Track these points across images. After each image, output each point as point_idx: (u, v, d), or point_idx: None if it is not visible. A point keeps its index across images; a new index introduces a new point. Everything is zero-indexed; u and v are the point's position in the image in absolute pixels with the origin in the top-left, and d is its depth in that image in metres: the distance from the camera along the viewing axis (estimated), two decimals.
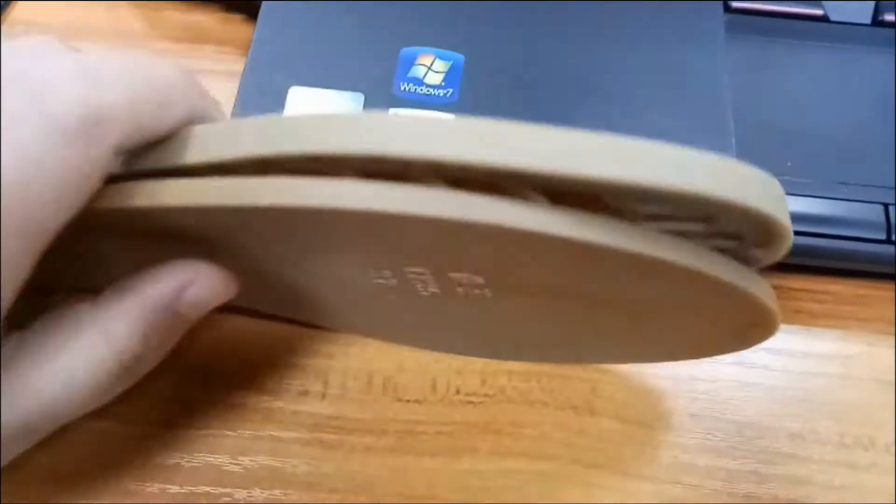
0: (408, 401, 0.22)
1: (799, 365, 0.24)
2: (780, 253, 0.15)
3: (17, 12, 0.30)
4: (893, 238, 0.22)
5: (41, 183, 0.13)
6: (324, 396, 0.22)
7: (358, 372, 0.23)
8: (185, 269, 0.17)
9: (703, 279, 0.14)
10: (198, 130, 0.15)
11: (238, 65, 0.29)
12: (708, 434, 0.22)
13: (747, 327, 0.18)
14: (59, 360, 0.16)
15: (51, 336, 0.16)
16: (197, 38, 0.30)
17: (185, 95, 0.16)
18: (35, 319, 0.16)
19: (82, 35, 0.30)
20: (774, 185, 0.14)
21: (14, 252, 0.13)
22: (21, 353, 0.16)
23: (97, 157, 0.14)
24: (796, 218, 0.23)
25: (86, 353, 0.16)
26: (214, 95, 0.29)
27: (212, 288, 0.17)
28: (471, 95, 0.24)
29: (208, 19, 0.31)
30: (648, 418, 0.22)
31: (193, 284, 0.17)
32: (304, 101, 0.24)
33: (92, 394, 0.16)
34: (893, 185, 0.23)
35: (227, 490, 0.21)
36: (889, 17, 0.26)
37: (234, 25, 0.30)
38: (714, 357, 0.23)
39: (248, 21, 0.30)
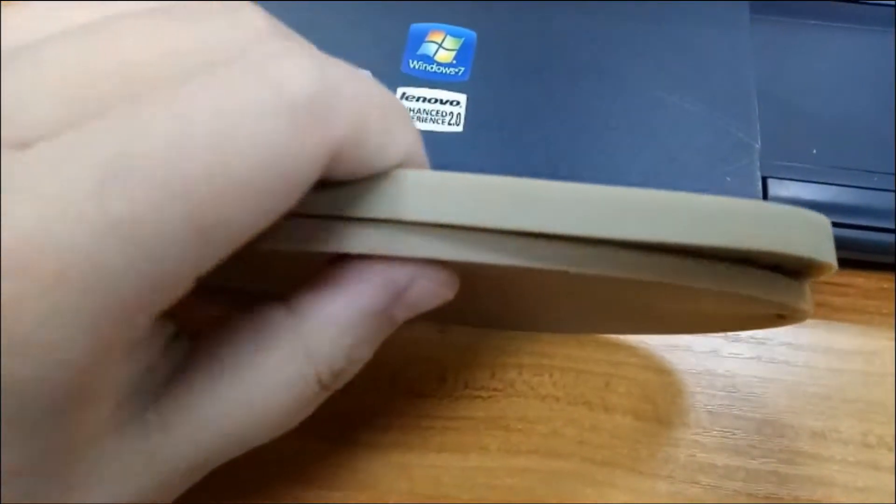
0: (415, 394, 0.22)
1: (821, 360, 0.23)
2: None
3: None
4: None
5: (272, 167, 0.10)
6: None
7: (366, 364, 0.22)
8: (404, 267, 0.13)
9: (749, 299, 0.14)
10: (425, 179, 0.13)
11: None
12: (727, 432, 0.21)
13: (777, 319, 0.17)
14: (249, 379, 0.13)
15: (235, 348, 0.13)
16: None
17: (408, 130, 0.13)
18: (211, 325, 0.14)
19: None
20: (827, 228, 0.14)
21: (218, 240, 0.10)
22: (195, 368, 0.13)
23: (323, 145, 0.11)
24: (822, 208, 0.22)
25: (283, 370, 0.13)
26: None
27: (434, 290, 0.14)
28: (483, 74, 0.23)
29: None
30: (665, 415, 0.22)
31: (415, 285, 0.14)
32: None
33: (286, 418, 0.14)
34: None
35: None
36: None
37: None
38: (734, 346, 0.22)
39: None
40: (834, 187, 0.22)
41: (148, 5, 0.12)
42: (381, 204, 0.13)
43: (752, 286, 0.14)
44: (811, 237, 0.13)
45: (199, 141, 0.10)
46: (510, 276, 0.14)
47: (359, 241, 0.13)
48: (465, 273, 0.14)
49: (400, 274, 0.13)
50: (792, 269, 0.15)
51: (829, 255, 0.14)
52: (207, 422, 0.12)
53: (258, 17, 0.12)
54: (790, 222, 0.13)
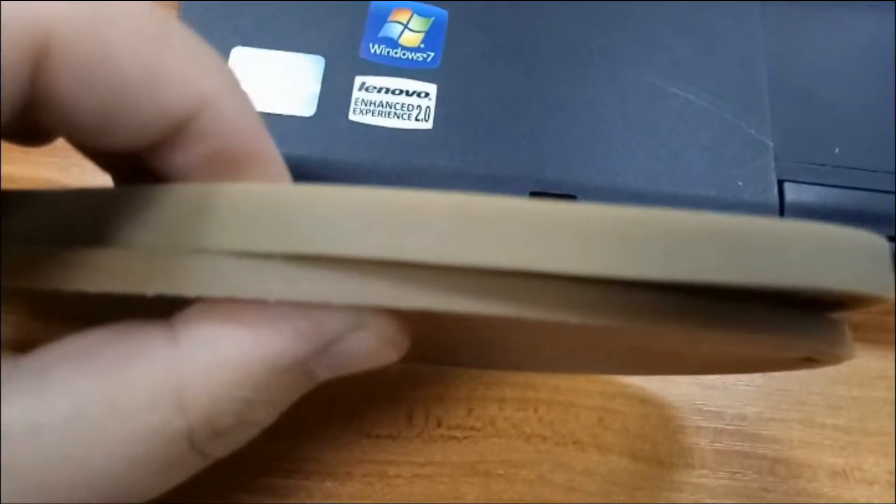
0: (378, 436, 0.19)
1: (840, 388, 0.20)
2: None
3: None
4: None
5: None
6: (274, 433, 0.18)
7: (316, 401, 0.19)
8: (336, 313, 0.10)
9: (781, 344, 0.12)
10: (267, 195, 0.10)
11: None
12: (736, 473, 0.19)
13: (804, 362, 0.14)
14: (92, 412, 0.09)
15: (76, 366, 0.10)
16: None
17: (211, 66, 0.11)
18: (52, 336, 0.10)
19: None
20: (887, 252, 0.11)
21: None
22: (13, 388, 0.09)
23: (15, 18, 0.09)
24: (845, 215, 0.19)
25: (141, 412, 0.10)
26: None
27: (373, 348, 0.11)
28: (455, 60, 0.20)
29: None
30: (666, 454, 0.19)
31: (347, 338, 0.10)
32: (250, 66, 0.19)
33: (138, 481, 0.10)
34: None
35: None
36: None
37: None
38: (746, 380, 0.20)
39: None
40: (859, 192, 0.19)
41: None
42: (278, 226, 0.10)
43: (790, 329, 0.12)
44: (873, 267, 0.11)
45: None
46: (484, 321, 0.11)
47: (235, 281, 0.10)
48: (420, 318, 0.11)
49: (328, 321, 0.10)
50: (835, 303, 0.12)
51: (891, 287, 0.11)
52: (21, 470, 0.09)
53: None
54: (849, 249, 0.10)
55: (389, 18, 0.20)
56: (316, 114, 0.19)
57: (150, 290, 0.10)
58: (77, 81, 0.09)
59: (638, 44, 0.21)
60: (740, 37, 0.21)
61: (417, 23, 0.20)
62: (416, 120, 0.19)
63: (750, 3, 0.21)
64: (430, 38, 0.20)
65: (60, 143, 0.12)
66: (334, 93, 0.19)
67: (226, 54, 0.20)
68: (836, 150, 0.20)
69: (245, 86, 0.11)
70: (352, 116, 0.19)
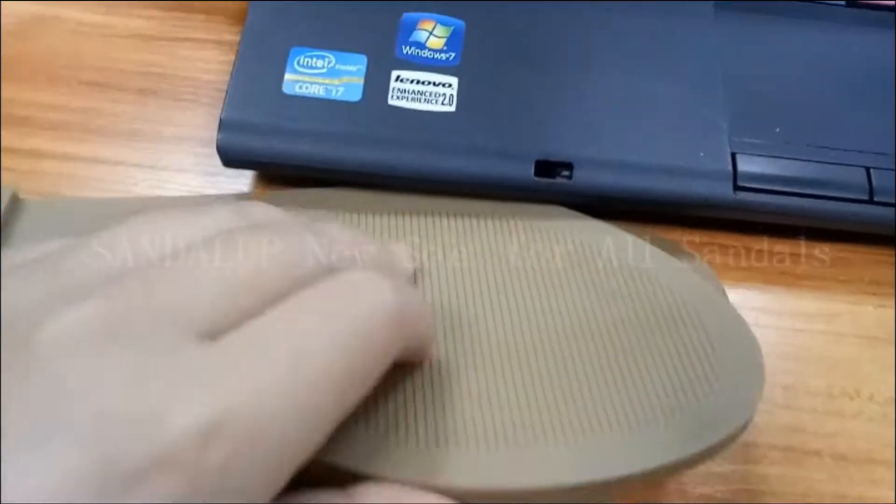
0: None
1: (787, 323, 0.25)
2: None
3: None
4: (874, 199, 0.24)
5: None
6: None
7: None
8: None
9: None
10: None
11: (226, 34, 0.29)
12: None
13: None
14: None
15: None
16: (184, 7, 0.30)
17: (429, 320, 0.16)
18: None
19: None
20: None
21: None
22: None
23: (401, 339, 0.14)
24: (784, 180, 0.24)
25: None
26: (203, 63, 0.29)
27: None
28: (472, 60, 0.25)
29: None
30: None
31: None
32: (311, 63, 0.24)
33: None
34: (873, 150, 0.24)
35: None
36: None
37: None
38: None
39: None
40: (795, 161, 0.24)
41: (241, 223, 0.14)
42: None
43: None
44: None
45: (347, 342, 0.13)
46: None
47: None
48: None
49: None
50: None
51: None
52: None
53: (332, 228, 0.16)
54: None
55: (418, 27, 0.25)
56: (361, 99, 0.24)
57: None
58: None
59: (619, 50, 0.26)
60: (699, 44, 0.26)
61: (440, 30, 0.25)
62: (442, 104, 0.24)
63: (706, 17, 0.27)
64: (451, 42, 0.25)
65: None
66: (376, 83, 0.24)
67: (285, 53, 0.24)
68: (777, 130, 0.25)
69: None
70: (390, 101, 0.24)
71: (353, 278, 0.14)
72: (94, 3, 0.29)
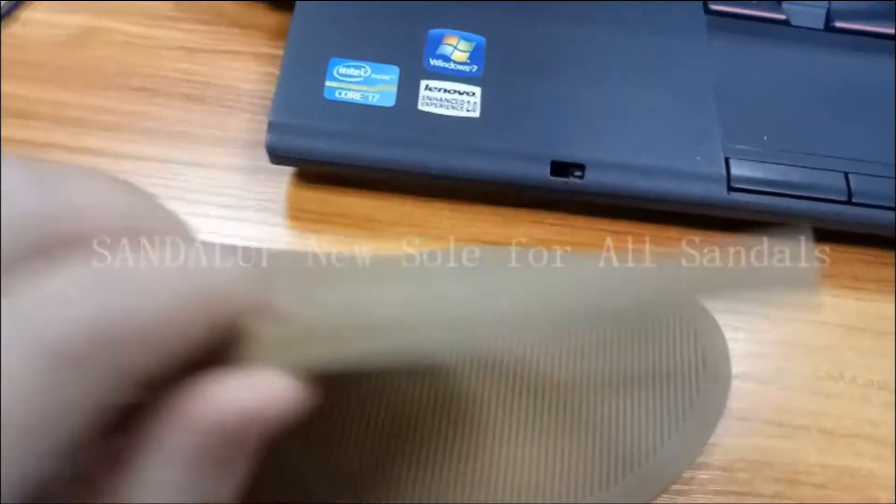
0: None
1: (778, 313, 0.27)
2: None
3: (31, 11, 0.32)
4: (852, 200, 0.26)
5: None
6: None
7: None
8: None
9: None
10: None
11: (263, 47, 0.32)
12: None
13: None
14: None
15: None
16: (224, 21, 0.32)
17: (243, 302, 0.13)
18: None
19: (111, 14, 0.31)
20: None
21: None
22: None
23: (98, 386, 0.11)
24: (772, 183, 0.26)
25: None
26: (242, 73, 0.31)
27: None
28: (493, 71, 0.27)
29: (234, 6, 0.33)
30: None
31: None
32: (349, 73, 0.27)
33: None
34: (851, 157, 0.27)
35: None
36: (839, 24, 0.31)
37: (258, 12, 0.33)
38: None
39: (270, 9, 0.33)
40: (782, 166, 0.27)
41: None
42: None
43: None
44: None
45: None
46: None
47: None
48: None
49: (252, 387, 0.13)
50: None
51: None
52: None
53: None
54: None
55: (443, 42, 0.28)
56: (395, 105, 0.26)
57: None
58: None
59: (624, 62, 0.28)
60: (692, 59, 0.29)
61: (464, 45, 0.28)
62: (467, 111, 0.26)
63: (699, 34, 0.30)
64: (474, 56, 0.28)
65: None
66: (407, 91, 0.26)
67: (325, 63, 0.27)
68: (765, 138, 0.27)
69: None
70: (420, 107, 0.26)
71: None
72: (140, 16, 0.32)
